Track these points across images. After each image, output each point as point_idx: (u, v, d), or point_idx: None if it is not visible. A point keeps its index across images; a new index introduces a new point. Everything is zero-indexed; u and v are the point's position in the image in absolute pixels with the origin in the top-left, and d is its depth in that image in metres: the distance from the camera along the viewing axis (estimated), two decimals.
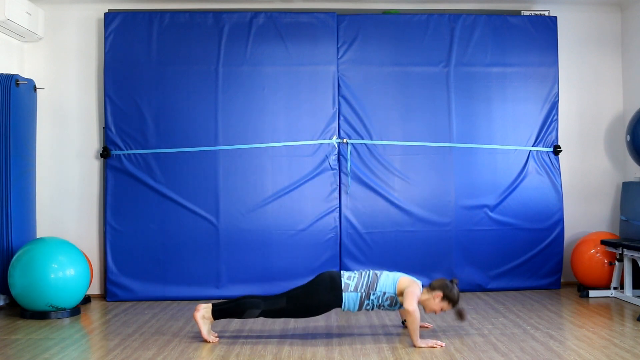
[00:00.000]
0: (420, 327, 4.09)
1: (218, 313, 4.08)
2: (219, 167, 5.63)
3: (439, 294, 4.05)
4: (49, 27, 5.81)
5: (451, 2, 5.91)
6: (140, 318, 4.84)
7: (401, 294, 4.01)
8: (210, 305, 4.11)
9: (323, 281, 4.06)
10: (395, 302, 4.05)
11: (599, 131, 6.11)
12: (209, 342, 4.05)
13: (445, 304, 4.07)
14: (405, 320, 4.30)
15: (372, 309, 4.10)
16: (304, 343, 4.06)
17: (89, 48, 5.83)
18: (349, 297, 4.02)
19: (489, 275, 5.75)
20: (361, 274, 4.11)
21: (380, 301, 4.05)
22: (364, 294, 4.02)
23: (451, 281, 4.11)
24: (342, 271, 4.15)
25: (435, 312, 4.10)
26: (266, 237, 5.61)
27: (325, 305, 4.07)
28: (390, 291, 4.04)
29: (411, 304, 3.89)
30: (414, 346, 3.91)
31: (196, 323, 4.10)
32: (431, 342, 3.93)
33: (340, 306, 4.05)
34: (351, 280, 4.05)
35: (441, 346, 3.90)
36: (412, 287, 3.99)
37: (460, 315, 4.15)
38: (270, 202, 5.63)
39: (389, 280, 4.07)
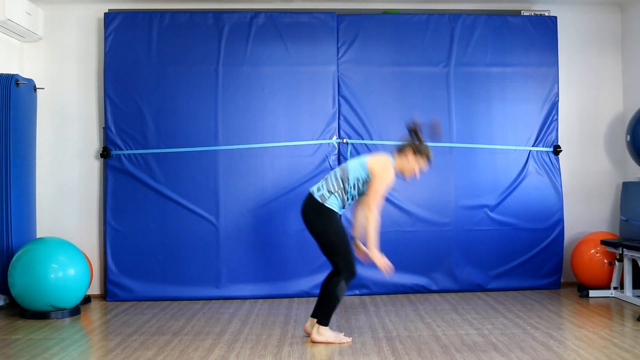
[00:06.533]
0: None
1: (323, 317, 4.01)
2: (219, 167, 5.63)
3: (409, 150, 3.98)
4: (49, 27, 5.81)
5: (451, 2, 5.91)
6: (140, 318, 4.84)
7: (374, 174, 3.91)
8: (311, 319, 4.10)
9: (312, 217, 3.95)
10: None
11: (599, 131, 6.11)
12: (347, 342, 4.00)
13: (420, 160, 3.99)
14: None
15: (355, 199, 3.99)
16: (304, 343, 4.06)
17: (89, 48, 5.83)
18: (331, 202, 3.93)
19: (489, 275, 5.74)
20: (326, 177, 4.03)
21: (357, 189, 3.95)
22: (340, 191, 3.94)
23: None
24: (310, 189, 4.05)
25: (415, 174, 4.00)
26: (266, 237, 5.61)
27: (338, 229, 3.93)
28: (362, 174, 3.94)
29: (374, 199, 3.81)
30: (369, 252, 3.89)
31: (325, 342, 3.99)
32: (385, 261, 3.88)
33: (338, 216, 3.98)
34: (322, 189, 3.97)
35: (388, 270, 3.88)
36: (381, 165, 3.88)
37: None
38: (270, 202, 5.63)
39: (357, 164, 3.98)
